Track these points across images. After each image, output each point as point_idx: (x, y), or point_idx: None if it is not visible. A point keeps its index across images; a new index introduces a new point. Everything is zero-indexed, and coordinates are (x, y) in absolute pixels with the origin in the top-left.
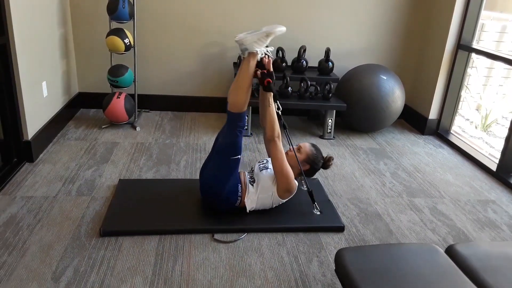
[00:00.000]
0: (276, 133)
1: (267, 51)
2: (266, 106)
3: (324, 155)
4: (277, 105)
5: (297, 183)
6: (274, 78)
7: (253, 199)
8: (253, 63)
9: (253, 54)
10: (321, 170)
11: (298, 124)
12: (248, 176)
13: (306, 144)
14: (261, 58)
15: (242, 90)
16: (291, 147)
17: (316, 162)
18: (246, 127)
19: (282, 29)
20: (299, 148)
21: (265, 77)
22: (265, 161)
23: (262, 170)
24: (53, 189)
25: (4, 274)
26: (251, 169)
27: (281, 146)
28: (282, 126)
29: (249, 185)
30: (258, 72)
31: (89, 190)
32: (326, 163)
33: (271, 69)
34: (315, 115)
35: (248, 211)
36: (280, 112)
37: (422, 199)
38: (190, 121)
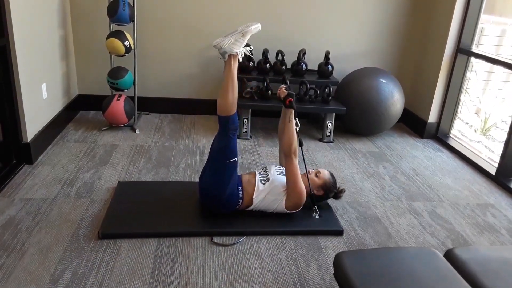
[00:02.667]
0: (293, 149)
1: (247, 50)
2: (286, 121)
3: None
4: (296, 122)
5: (304, 201)
6: (294, 96)
7: (262, 197)
8: (234, 65)
9: (233, 56)
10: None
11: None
12: (260, 176)
13: (325, 171)
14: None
15: (228, 92)
16: (306, 172)
17: (331, 191)
18: (245, 130)
19: (257, 26)
20: (317, 173)
21: (286, 97)
22: (282, 168)
23: (279, 175)
24: (52, 191)
25: (2, 276)
26: (264, 169)
27: (297, 163)
28: (299, 144)
29: (260, 183)
30: (279, 92)
31: (88, 193)
32: (338, 193)
33: (288, 91)
34: (315, 118)
35: (252, 207)
36: (298, 129)
37: (421, 202)
38: (190, 124)
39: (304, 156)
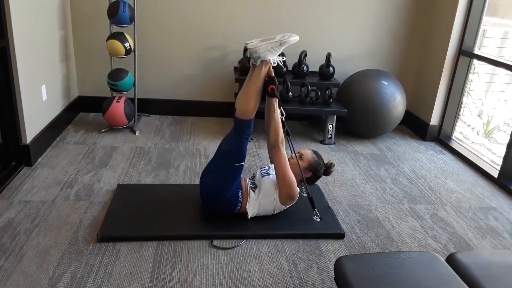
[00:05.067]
0: (280, 139)
1: (280, 60)
2: (271, 111)
3: (325, 161)
4: (281, 111)
5: (298, 190)
6: (277, 83)
7: (254, 204)
8: (264, 71)
9: (266, 62)
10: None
11: (298, 129)
12: (250, 182)
13: (307, 151)
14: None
15: (252, 98)
16: (293, 154)
17: (318, 169)
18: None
19: (296, 38)
20: (301, 155)
21: (268, 84)
22: (266, 167)
23: (264, 176)
24: (51, 193)
25: (1, 279)
26: (253, 175)
27: (284, 152)
28: (286, 133)
29: (251, 191)
30: None
31: (87, 195)
32: (327, 169)
33: (273, 75)
34: (316, 120)
35: (249, 217)
36: (283, 118)
37: (423, 206)
38: (190, 126)
39: (293, 145)
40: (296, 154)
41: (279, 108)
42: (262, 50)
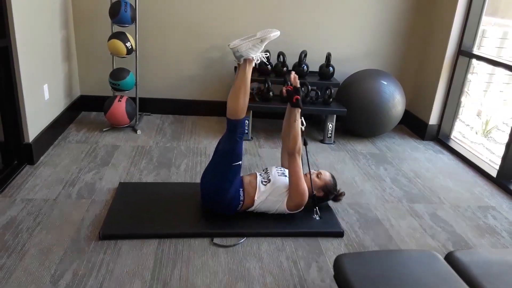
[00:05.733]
0: (298, 148)
1: (263, 56)
2: (291, 121)
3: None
4: (302, 121)
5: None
6: (301, 94)
7: (263, 198)
8: (249, 69)
9: (249, 60)
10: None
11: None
12: (261, 178)
13: (327, 173)
14: (288, 75)
15: (240, 97)
16: (308, 173)
17: (332, 193)
18: (246, 132)
19: (277, 33)
20: (318, 174)
21: (293, 94)
22: (283, 169)
23: (280, 176)
24: (53, 192)
25: (3, 276)
26: (265, 171)
27: (300, 162)
28: (303, 143)
29: (261, 184)
30: (284, 90)
31: (89, 193)
32: (337, 196)
33: (298, 85)
34: (316, 120)
35: (253, 207)
36: (303, 128)
37: (422, 205)
38: (191, 125)
39: (308, 156)
40: (314, 172)
41: (300, 118)
42: (243, 48)
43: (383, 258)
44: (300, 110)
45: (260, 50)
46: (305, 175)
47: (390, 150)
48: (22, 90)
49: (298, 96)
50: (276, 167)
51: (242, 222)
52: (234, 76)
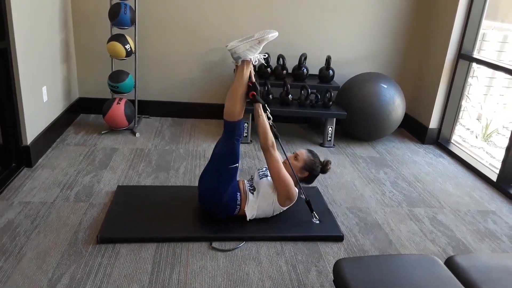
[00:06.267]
0: (270, 142)
1: (261, 57)
2: (256, 117)
3: (321, 159)
4: (267, 114)
5: (297, 190)
6: (258, 88)
7: (253, 207)
8: (247, 71)
9: (247, 61)
10: (321, 178)
11: (298, 132)
12: (248, 185)
13: (302, 151)
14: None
15: (237, 98)
16: (285, 157)
17: (315, 168)
18: (246, 135)
19: (275, 34)
20: (296, 156)
21: (249, 90)
22: (264, 169)
23: (262, 178)
24: (51, 194)
25: (0, 280)
26: (251, 177)
27: (276, 155)
28: (275, 136)
29: (249, 193)
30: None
31: (87, 196)
32: (324, 167)
33: (253, 80)
34: (315, 123)
35: (248, 219)
36: (271, 122)
37: (422, 209)
38: (190, 128)
39: (283, 146)
40: (288, 158)
41: (265, 112)
42: (241, 49)
43: (383, 263)
44: (260, 105)
45: (258, 52)
46: (284, 162)
47: (390, 154)
48: (21, 92)
49: (254, 92)
50: (258, 169)
51: (241, 225)
52: (233, 79)
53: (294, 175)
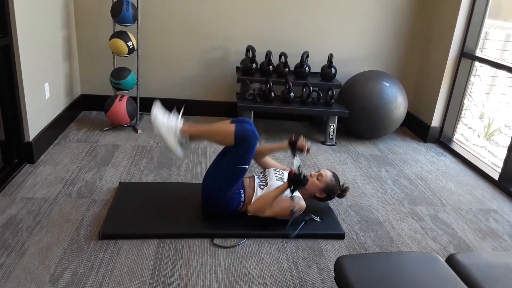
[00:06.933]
0: (263, 215)
1: (297, 163)
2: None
3: (341, 183)
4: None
5: (304, 204)
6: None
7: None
8: (194, 129)
9: (181, 131)
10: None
11: (300, 130)
12: (259, 180)
13: (327, 173)
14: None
15: (215, 140)
16: (296, 170)
17: (334, 192)
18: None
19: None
20: (318, 176)
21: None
22: (281, 172)
23: (278, 180)
24: (53, 190)
25: (2, 275)
26: (262, 173)
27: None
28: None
29: (259, 188)
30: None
31: (89, 193)
32: (342, 193)
33: (300, 169)
34: (317, 121)
35: (250, 214)
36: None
37: (423, 207)
38: None
39: (301, 165)
40: (311, 175)
41: (292, 195)
42: (172, 145)
43: (384, 260)
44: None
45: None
46: (310, 174)
47: (391, 152)
48: (23, 88)
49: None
50: (274, 170)
51: (242, 222)
52: (235, 77)
53: (313, 192)
